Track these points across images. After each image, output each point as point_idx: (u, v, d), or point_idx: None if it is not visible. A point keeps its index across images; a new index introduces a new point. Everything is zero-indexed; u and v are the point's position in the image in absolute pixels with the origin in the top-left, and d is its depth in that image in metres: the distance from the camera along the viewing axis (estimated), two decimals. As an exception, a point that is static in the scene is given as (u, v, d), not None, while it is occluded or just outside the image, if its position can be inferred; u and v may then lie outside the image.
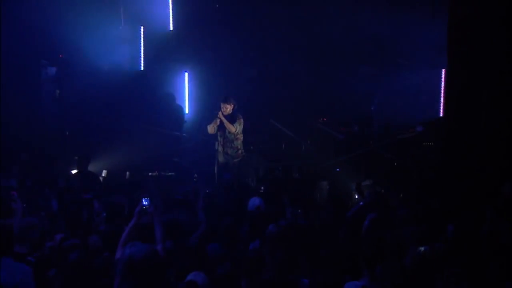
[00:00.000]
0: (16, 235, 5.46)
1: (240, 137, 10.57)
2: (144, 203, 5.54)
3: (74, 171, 11.11)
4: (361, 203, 8.24)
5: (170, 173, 11.92)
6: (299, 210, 7.43)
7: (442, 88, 11.36)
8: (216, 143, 10.60)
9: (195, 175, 11.50)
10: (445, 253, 5.42)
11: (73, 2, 11.53)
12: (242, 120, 10.49)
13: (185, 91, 13.42)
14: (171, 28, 13.40)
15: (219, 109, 10.40)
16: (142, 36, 13.28)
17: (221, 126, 10.46)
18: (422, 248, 5.24)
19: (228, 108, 10.41)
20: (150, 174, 11.82)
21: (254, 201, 7.39)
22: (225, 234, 6.08)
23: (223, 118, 10.34)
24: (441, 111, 11.41)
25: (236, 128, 10.45)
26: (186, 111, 13.30)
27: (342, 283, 4.69)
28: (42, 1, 10.82)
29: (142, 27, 13.23)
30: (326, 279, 4.61)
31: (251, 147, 11.94)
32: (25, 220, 6.10)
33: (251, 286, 4.94)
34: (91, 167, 10.73)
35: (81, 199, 7.86)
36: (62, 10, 11.31)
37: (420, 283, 4.86)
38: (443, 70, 10.90)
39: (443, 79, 11.24)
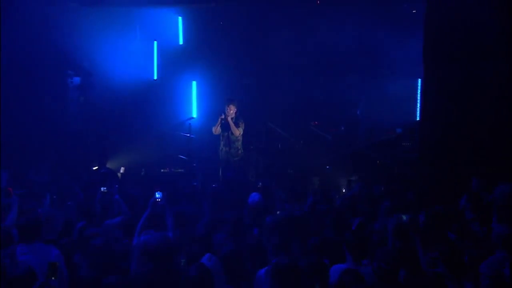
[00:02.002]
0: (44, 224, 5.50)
1: (241, 138, 10.61)
2: (157, 196, 5.59)
3: (95, 168, 11.17)
4: (349, 193, 8.31)
5: (179, 170, 11.96)
6: (296, 203, 7.44)
7: (419, 95, 11.41)
8: (221, 143, 10.65)
9: (194, 164, 11.58)
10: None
11: (96, 22, 11.56)
12: (243, 125, 10.54)
13: (193, 98, 13.45)
14: (181, 43, 13.44)
15: (224, 111, 10.45)
16: (155, 49, 13.30)
17: (224, 128, 10.50)
18: (404, 217, 5.25)
19: (232, 110, 10.42)
20: (162, 170, 11.87)
21: (254, 196, 7.40)
22: (230, 226, 6.09)
23: (231, 123, 10.37)
24: (418, 115, 11.44)
25: (240, 132, 10.49)
26: (194, 115, 13.32)
27: (328, 266, 4.72)
28: (68, 21, 10.86)
29: (155, 42, 13.25)
30: (314, 263, 4.63)
31: (251, 147, 11.98)
32: (49, 211, 6.14)
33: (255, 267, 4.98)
34: (111, 164, 10.77)
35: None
36: (86, 28, 11.36)
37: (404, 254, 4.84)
38: (419, 79, 10.94)
39: (419, 87, 11.28)
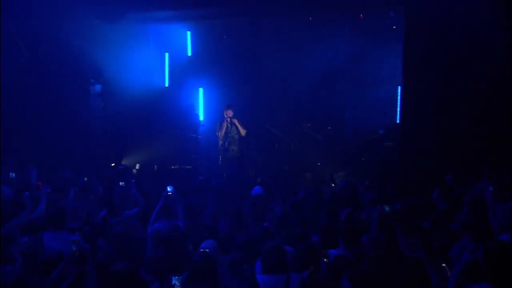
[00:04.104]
0: (69, 214, 5.50)
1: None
2: (168, 189, 5.59)
3: (112, 165, 11.19)
4: (336, 188, 8.29)
5: (188, 166, 11.95)
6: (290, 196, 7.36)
7: (399, 101, 11.40)
8: (224, 142, 10.51)
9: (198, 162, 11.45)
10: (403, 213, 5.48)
11: (115, 36, 11.56)
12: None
13: (200, 103, 13.46)
14: (189, 54, 13.44)
15: (223, 116, 10.36)
16: (167, 60, 13.30)
17: (227, 130, 10.38)
18: (386, 208, 5.24)
19: (231, 113, 10.35)
20: (172, 167, 11.85)
21: (256, 189, 7.40)
22: (233, 215, 6.08)
23: (238, 125, 10.31)
24: (398, 118, 11.44)
25: (245, 131, 10.42)
26: (201, 118, 13.32)
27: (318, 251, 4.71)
28: (91, 35, 10.88)
29: (167, 53, 13.26)
30: (308, 248, 4.63)
31: (251, 146, 11.98)
32: (75, 203, 6.14)
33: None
34: (129, 161, 10.76)
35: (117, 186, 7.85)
36: (107, 41, 11.36)
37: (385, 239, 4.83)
38: (399, 86, 10.95)
39: (399, 94, 11.27)
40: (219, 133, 10.46)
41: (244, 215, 6.12)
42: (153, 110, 12.69)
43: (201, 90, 13.40)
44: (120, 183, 6.83)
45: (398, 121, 11.28)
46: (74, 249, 4.02)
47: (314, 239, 5.18)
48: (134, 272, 3.89)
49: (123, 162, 11.48)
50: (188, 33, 13.37)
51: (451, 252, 4.52)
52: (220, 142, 10.51)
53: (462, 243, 4.62)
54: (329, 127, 12.74)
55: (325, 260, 4.18)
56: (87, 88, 12.13)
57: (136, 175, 10.19)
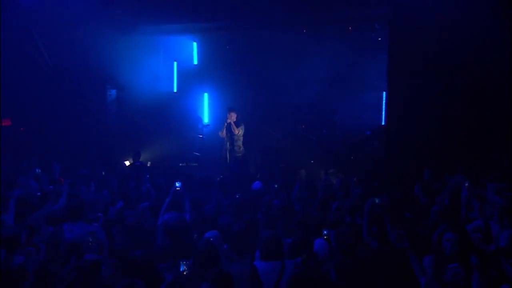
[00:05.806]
0: (89, 206, 5.53)
1: (241, 138, 10.46)
2: (176, 185, 5.60)
3: (127, 162, 11.19)
4: (323, 183, 8.30)
5: (194, 164, 11.96)
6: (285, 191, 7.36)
7: (384, 105, 11.42)
8: (226, 143, 10.52)
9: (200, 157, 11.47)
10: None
11: (129, 46, 11.59)
12: (243, 127, 10.47)
13: (205, 107, 13.47)
14: (196, 63, 13.46)
15: (226, 117, 10.37)
16: (175, 68, 13.32)
17: (229, 131, 10.42)
18: (376, 200, 5.24)
19: (233, 116, 10.30)
20: (180, 164, 11.86)
21: (257, 184, 7.42)
22: (234, 208, 6.08)
23: (233, 124, 10.27)
24: (383, 120, 11.45)
25: (239, 131, 10.34)
26: (206, 120, 13.34)
27: (313, 240, 4.74)
28: (108, 46, 10.91)
29: (175, 62, 13.28)
30: (302, 238, 4.65)
31: (252, 146, 11.96)
32: (93, 196, 6.16)
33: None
34: (141, 159, 10.74)
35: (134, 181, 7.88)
36: (121, 51, 11.39)
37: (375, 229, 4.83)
38: (384, 92, 10.97)
39: (384, 99, 11.29)
40: (221, 134, 10.44)
41: (245, 208, 6.15)
42: (162, 113, 12.71)
43: (206, 95, 13.41)
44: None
45: (383, 123, 11.30)
46: (91, 239, 4.04)
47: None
48: (149, 259, 3.93)
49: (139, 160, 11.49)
50: (195, 43, 13.39)
51: (433, 238, 4.55)
52: (225, 143, 10.50)
53: (439, 230, 4.64)
54: (322, 129, 12.74)
55: None
56: (103, 94, 12.17)
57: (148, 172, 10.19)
